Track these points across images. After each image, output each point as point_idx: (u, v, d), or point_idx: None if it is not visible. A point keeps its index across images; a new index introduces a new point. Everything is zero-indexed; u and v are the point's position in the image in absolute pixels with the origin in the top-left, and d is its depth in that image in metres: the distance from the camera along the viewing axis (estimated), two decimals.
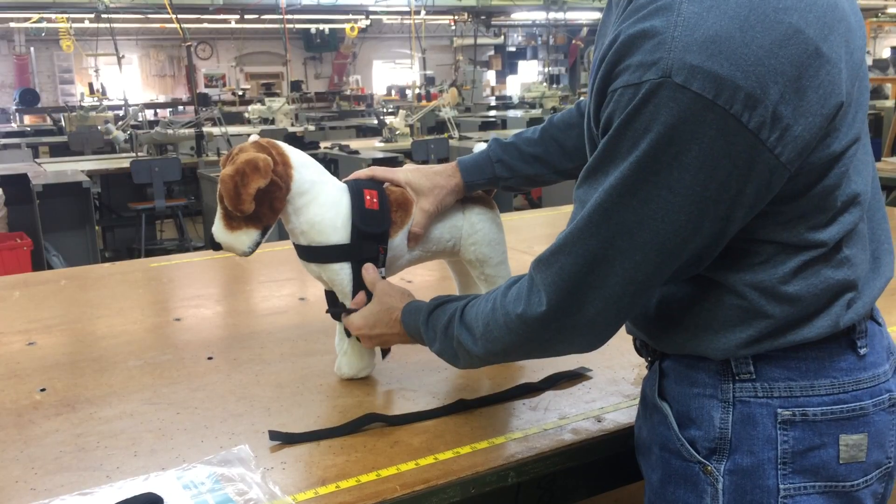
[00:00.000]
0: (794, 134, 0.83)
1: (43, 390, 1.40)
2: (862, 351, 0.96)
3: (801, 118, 0.83)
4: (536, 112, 12.31)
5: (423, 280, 2.08)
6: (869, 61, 13.81)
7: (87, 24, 13.94)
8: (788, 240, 0.92)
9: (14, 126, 13.35)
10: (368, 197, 1.34)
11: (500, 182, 1.42)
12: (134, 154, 7.42)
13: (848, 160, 0.91)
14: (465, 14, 16.03)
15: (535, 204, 7.98)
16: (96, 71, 15.26)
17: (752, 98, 0.81)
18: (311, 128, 10.61)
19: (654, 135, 0.83)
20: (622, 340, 1.13)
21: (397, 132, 8.26)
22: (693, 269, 0.94)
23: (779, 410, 0.94)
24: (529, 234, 2.68)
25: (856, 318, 0.96)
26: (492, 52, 19.74)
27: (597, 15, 16.24)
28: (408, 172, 1.40)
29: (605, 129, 0.89)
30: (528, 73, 20.94)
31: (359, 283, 1.34)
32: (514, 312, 1.00)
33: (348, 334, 1.38)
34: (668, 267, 0.90)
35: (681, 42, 0.81)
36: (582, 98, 1.44)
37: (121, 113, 11.41)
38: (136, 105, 11.39)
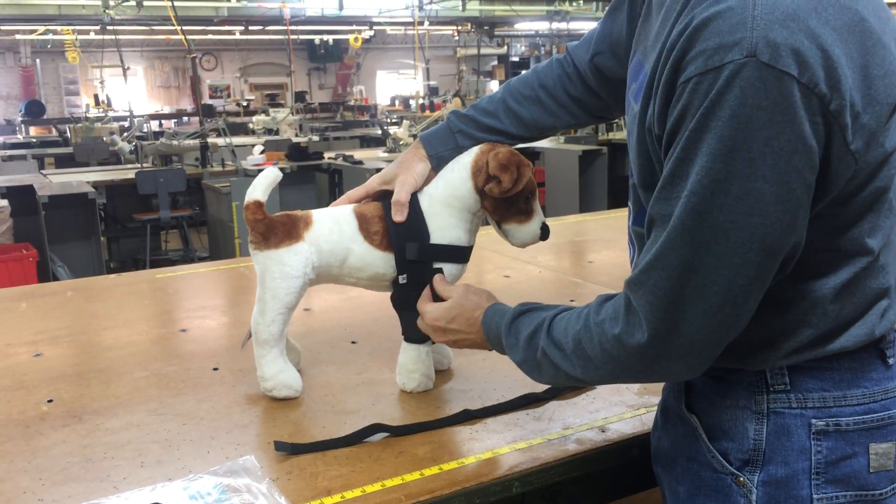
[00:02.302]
0: (863, 122, 0.83)
1: (50, 401, 1.41)
2: (891, 360, 0.97)
3: (870, 107, 0.83)
4: None
5: None
6: None
7: (92, 36, 14.02)
8: (845, 246, 0.91)
9: (20, 137, 13.38)
10: None
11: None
12: (139, 165, 7.44)
13: (894, 161, 0.90)
14: (469, 24, 16.07)
15: None
16: (101, 82, 15.33)
17: (833, 79, 0.79)
18: (315, 138, 10.63)
19: (741, 120, 0.79)
20: None
21: (401, 142, 8.27)
22: (783, 271, 0.89)
23: (813, 421, 0.94)
24: (533, 245, 2.68)
25: (888, 327, 0.96)
26: (495, 62, 19.76)
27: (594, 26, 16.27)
28: (374, 177, 1.44)
29: (676, 126, 0.84)
30: None
31: None
32: (610, 332, 0.94)
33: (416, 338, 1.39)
34: (770, 268, 0.85)
35: (763, 20, 0.78)
36: (541, 63, 1.45)
37: (126, 124, 11.45)
38: (142, 116, 11.44)
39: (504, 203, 1.34)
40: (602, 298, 1.01)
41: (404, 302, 1.38)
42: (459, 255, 1.38)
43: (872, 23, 0.83)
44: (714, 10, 0.81)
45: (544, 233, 1.38)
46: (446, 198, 1.35)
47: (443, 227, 1.36)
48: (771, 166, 0.80)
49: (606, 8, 1.26)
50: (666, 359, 0.91)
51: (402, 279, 1.36)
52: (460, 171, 1.35)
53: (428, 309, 1.31)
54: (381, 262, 1.37)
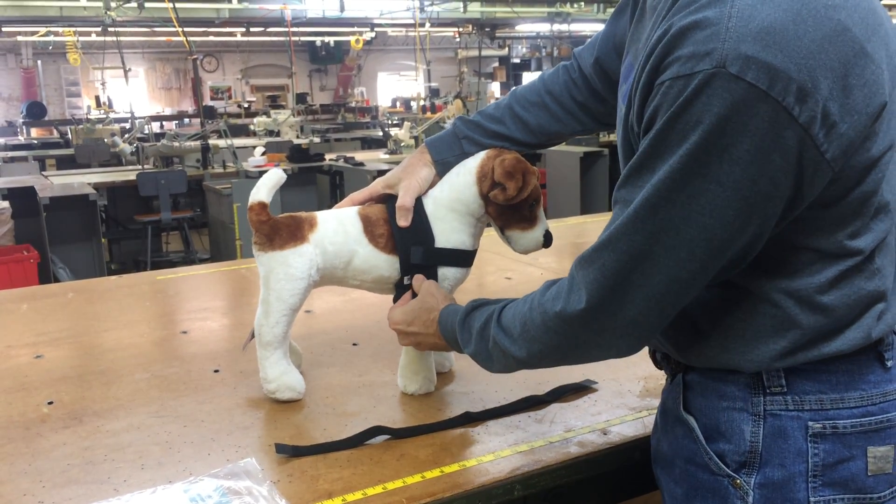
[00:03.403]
0: (840, 132, 0.84)
1: (51, 403, 1.41)
2: (889, 363, 0.96)
3: (848, 116, 0.84)
4: None
5: None
6: None
7: (93, 38, 14.03)
8: (826, 247, 0.92)
9: (21, 139, 13.40)
10: None
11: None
12: (140, 166, 7.45)
13: (884, 166, 0.91)
14: (470, 26, 16.08)
15: None
16: (103, 84, 15.34)
17: (804, 91, 0.80)
18: (317, 140, 10.64)
19: (704, 126, 0.82)
20: None
21: (402, 144, 8.28)
22: (732, 270, 0.93)
23: (810, 423, 0.94)
24: None
25: (886, 330, 0.96)
26: (496, 64, 19.77)
27: (601, 27, 16.31)
28: (378, 180, 1.45)
29: (649, 124, 0.88)
30: None
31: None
32: (552, 311, 0.99)
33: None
34: (714, 265, 0.90)
35: (735, 32, 0.80)
36: (548, 70, 1.45)
37: (127, 125, 11.46)
38: (143, 118, 11.43)
39: (508, 210, 1.34)
40: (548, 283, 1.05)
41: None
42: (463, 258, 1.38)
43: (856, 32, 0.84)
44: (691, 19, 0.83)
45: (547, 240, 1.38)
46: (451, 202, 1.35)
47: (447, 231, 1.36)
48: (726, 172, 0.83)
49: (610, 10, 1.27)
50: (606, 332, 0.96)
51: (407, 281, 1.36)
52: (465, 175, 1.35)
53: (392, 313, 1.34)
54: (386, 264, 1.37)
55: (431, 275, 1.36)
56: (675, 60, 0.84)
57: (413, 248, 1.35)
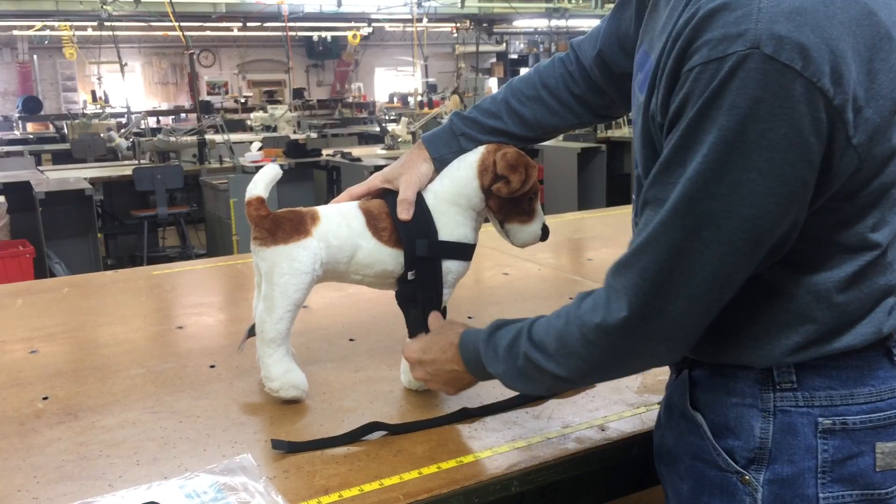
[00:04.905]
0: (866, 116, 0.83)
1: (45, 399, 1.40)
2: None
3: (873, 101, 0.83)
4: None
5: None
6: None
7: (90, 32, 13.97)
8: (848, 241, 0.90)
9: (17, 134, 13.35)
10: None
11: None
12: (136, 161, 7.43)
13: None
14: (468, 22, 16.06)
15: None
16: (99, 79, 15.29)
17: (837, 73, 0.79)
18: (314, 135, 10.61)
19: (741, 111, 0.79)
20: None
21: (399, 139, 8.27)
22: (768, 261, 0.90)
23: (819, 419, 0.94)
24: None
25: None
26: (494, 60, 19.76)
27: (598, 23, 16.26)
28: (376, 175, 1.43)
29: (677, 114, 0.85)
30: None
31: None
32: (591, 322, 0.94)
33: None
34: (756, 257, 0.87)
35: (768, 12, 0.78)
36: (543, 62, 1.44)
37: (123, 120, 11.45)
38: (139, 113, 11.41)
39: (509, 203, 1.34)
40: (582, 295, 1.01)
41: (410, 299, 1.37)
42: (466, 252, 1.38)
43: (882, 16, 0.83)
44: (720, 1, 0.81)
45: (545, 233, 1.39)
46: (452, 196, 1.35)
47: (450, 225, 1.36)
48: (766, 159, 0.81)
49: (609, 5, 1.26)
50: (650, 340, 0.92)
51: (411, 276, 1.35)
52: (466, 169, 1.34)
53: (408, 344, 1.30)
54: (390, 258, 1.36)
55: (436, 268, 1.35)
56: (705, 44, 0.81)
57: (418, 241, 1.34)
